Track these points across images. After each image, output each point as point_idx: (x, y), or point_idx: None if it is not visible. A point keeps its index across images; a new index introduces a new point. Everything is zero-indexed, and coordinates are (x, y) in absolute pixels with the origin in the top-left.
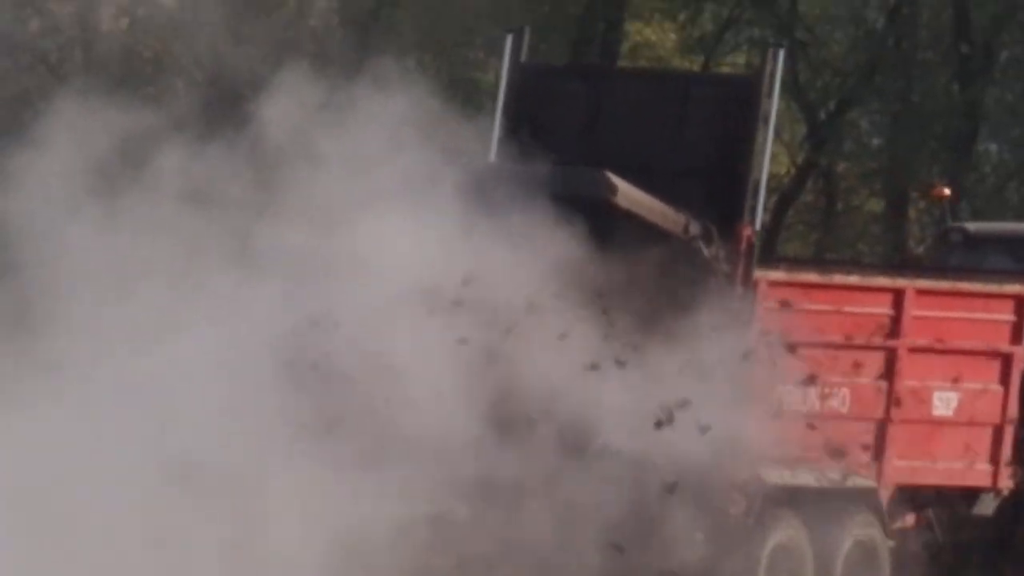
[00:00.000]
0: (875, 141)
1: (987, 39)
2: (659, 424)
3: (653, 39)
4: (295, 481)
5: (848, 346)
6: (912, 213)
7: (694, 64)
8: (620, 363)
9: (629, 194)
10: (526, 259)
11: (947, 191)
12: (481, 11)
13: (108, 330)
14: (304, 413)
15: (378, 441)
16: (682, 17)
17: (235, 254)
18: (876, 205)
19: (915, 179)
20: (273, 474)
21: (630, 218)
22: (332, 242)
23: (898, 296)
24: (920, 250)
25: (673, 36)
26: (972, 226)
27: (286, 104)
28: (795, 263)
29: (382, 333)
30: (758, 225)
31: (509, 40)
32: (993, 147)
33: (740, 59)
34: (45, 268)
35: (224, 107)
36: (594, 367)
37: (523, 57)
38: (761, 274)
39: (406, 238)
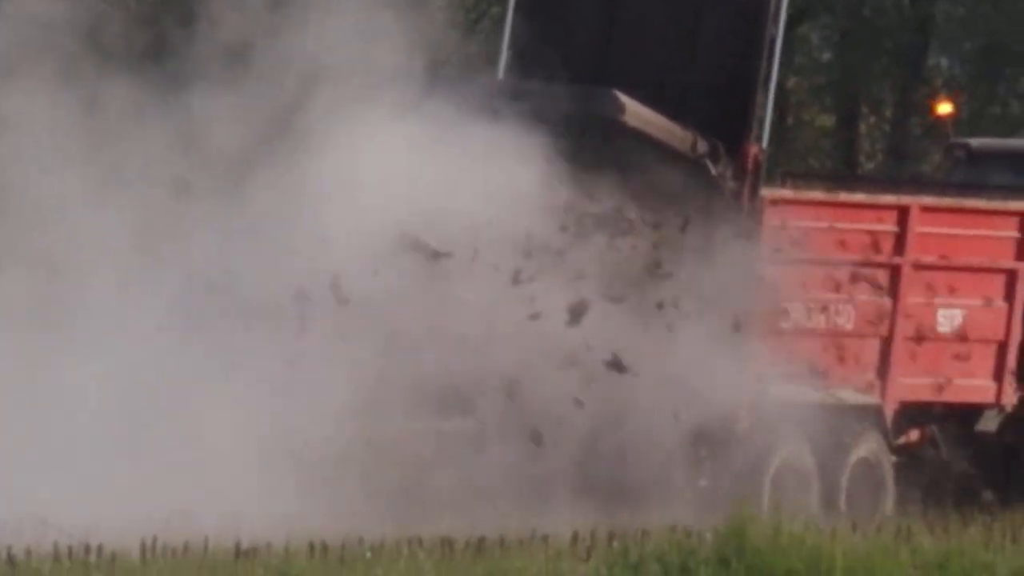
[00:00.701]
0: (825, 56)
1: None
2: (664, 341)
3: None
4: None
5: (853, 263)
6: (863, 128)
7: None
8: (618, 297)
9: (637, 112)
10: (534, 176)
11: (950, 107)
12: None
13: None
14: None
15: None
16: None
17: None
18: (826, 120)
19: (866, 94)
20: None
21: (639, 136)
22: (335, 162)
23: (903, 213)
24: (871, 166)
25: None
26: (975, 142)
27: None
28: (801, 180)
29: (389, 253)
30: (765, 143)
31: None
32: (944, 61)
33: None
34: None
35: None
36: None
37: None
38: (768, 192)
39: (410, 157)
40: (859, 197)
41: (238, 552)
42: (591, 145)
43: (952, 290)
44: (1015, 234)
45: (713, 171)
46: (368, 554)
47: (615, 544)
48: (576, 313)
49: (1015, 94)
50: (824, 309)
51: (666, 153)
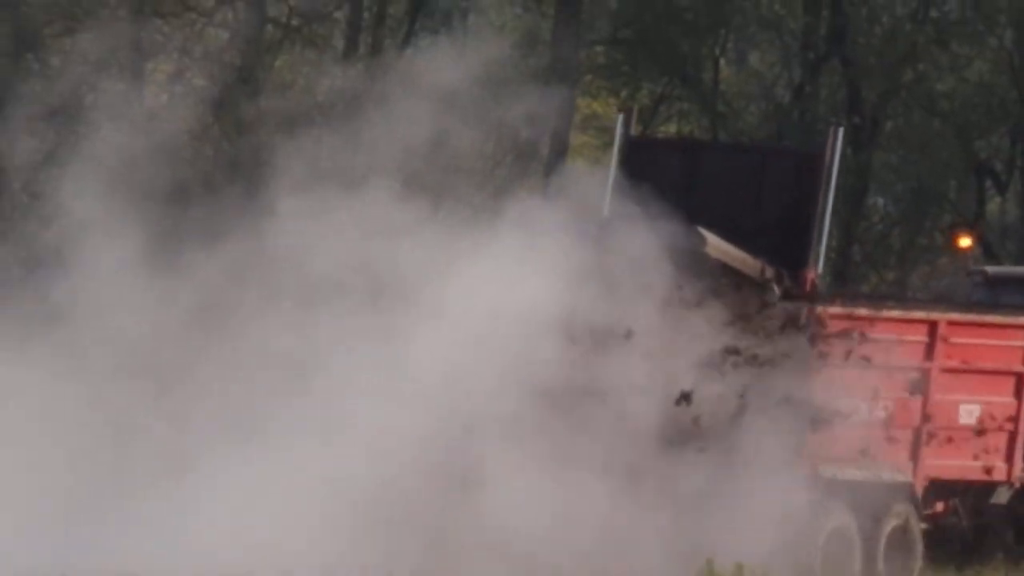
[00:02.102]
0: None
1: (875, 112)
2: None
3: (600, 111)
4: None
5: (892, 367)
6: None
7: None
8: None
9: (717, 245)
10: (634, 295)
11: (969, 241)
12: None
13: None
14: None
15: None
16: (624, 94)
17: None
18: None
19: None
20: None
21: (719, 264)
22: (460, 288)
23: (933, 326)
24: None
25: (616, 109)
26: (991, 269)
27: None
28: (850, 299)
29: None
30: (820, 269)
31: (620, 118)
32: (880, 200)
33: (672, 128)
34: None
35: None
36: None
37: (632, 132)
38: (823, 308)
39: (538, 275)
40: (897, 313)
41: None
42: (681, 272)
43: (971, 389)
44: (1022, 343)
45: (778, 291)
46: None
47: None
48: (685, 397)
49: (938, 228)
50: (868, 404)
51: (740, 278)
